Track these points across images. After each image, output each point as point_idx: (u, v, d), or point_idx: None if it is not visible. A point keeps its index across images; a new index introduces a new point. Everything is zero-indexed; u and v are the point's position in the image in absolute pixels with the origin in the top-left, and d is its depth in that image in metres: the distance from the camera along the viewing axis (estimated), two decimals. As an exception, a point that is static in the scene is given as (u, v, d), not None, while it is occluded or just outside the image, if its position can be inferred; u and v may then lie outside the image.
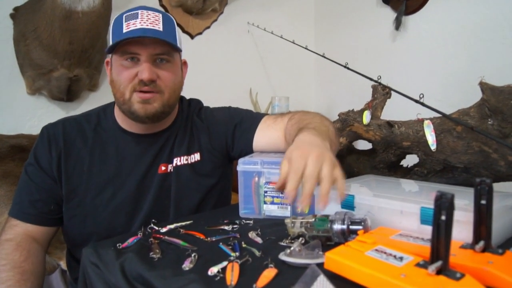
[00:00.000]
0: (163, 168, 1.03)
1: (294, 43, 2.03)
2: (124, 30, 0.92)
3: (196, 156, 1.07)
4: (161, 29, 0.94)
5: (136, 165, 1.01)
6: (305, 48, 1.90)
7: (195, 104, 1.16)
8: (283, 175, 0.67)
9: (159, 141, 1.04)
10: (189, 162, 1.06)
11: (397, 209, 0.77)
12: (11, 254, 0.92)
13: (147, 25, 0.92)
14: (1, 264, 0.91)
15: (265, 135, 1.06)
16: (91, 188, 0.99)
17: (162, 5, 2.15)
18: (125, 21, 0.93)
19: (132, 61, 0.94)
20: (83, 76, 1.70)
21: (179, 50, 0.99)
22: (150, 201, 1.01)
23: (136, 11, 0.94)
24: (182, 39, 1.01)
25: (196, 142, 1.09)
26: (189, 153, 1.07)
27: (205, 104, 1.19)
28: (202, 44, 2.34)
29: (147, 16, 0.94)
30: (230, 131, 1.10)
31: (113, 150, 1.02)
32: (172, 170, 1.04)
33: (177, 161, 1.05)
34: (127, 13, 0.95)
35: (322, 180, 0.65)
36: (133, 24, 0.92)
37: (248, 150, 1.09)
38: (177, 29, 1.00)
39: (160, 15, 0.96)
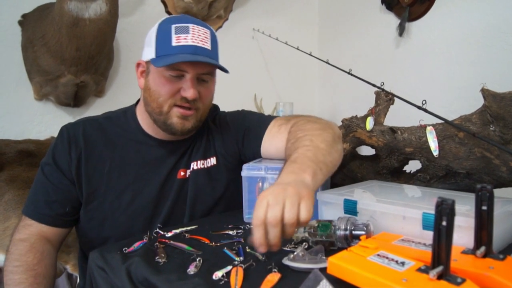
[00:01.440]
0: (182, 173, 1.04)
1: (299, 49, 2.04)
2: (174, 43, 0.92)
3: (212, 161, 1.08)
4: (209, 47, 0.95)
5: (157, 170, 1.02)
6: (309, 55, 1.91)
7: (212, 109, 1.16)
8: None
9: (181, 148, 1.05)
10: (206, 166, 1.07)
11: (400, 214, 0.78)
12: (24, 256, 0.92)
13: (198, 42, 0.93)
14: (15, 266, 0.91)
15: (271, 144, 1.07)
16: (110, 191, 0.98)
17: (167, 12, 2.16)
18: (175, 33, 0.92)
19: (176, 75, 0.93)
20: (89, 82, 1.72)
21: (226, 72, 0.98)
22: (168, 207, 1.01)
23: (187, 25, 0.93)
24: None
25: (212, 146, 1.10)
26: (205, 157, 1.07)
27: None
28: (207, 50, 2.36)
29: (198, 32, 0.94)
30: (240, 136, 1.11)
31: (134, 154, 1.01)
32: (189, 175, 1.05)
33: (194, 165, 1.06)
34: (177, 24, 0.93)
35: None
36: (184, 39, 0.92)
37: (256, 156, 1.10)
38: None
39: (209, 32, 0.97)
